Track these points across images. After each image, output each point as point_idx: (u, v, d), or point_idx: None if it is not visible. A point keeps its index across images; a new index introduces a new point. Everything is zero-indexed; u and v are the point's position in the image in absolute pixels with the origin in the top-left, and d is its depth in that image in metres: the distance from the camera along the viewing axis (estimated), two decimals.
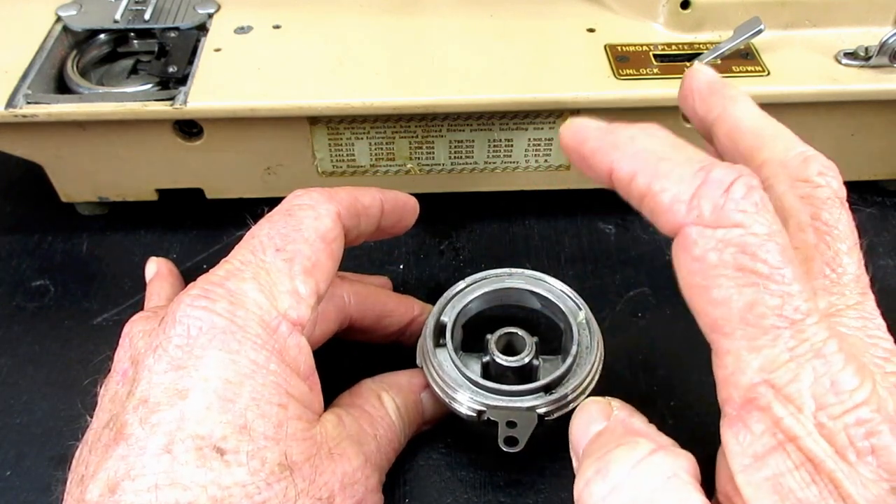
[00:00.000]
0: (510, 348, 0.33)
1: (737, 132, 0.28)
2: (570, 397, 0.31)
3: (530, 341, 0.33)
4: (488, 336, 0.33)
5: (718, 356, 0.23)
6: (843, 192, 0.26)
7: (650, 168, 0.24)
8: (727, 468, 0.22)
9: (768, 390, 0.21)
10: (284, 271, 0.28)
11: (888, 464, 0.21)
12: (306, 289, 0.28)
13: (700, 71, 0.30)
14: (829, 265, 0.25)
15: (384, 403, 0.32)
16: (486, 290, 0.35)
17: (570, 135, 0.27)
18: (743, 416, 0.22)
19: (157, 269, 0.39)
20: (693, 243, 0.22)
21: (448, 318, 0.34)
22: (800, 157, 0.27)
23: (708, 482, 0.24)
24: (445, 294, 0.35)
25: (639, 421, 0.26)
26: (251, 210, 0.45)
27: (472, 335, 0.35)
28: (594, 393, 0.32)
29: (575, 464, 0.26)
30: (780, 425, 0.21)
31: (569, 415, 0.31)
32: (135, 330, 0.29)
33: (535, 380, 0.32)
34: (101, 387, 0.29)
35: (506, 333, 0.33)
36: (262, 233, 0.30)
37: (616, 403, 0.27)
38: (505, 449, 0.30)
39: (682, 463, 0.23)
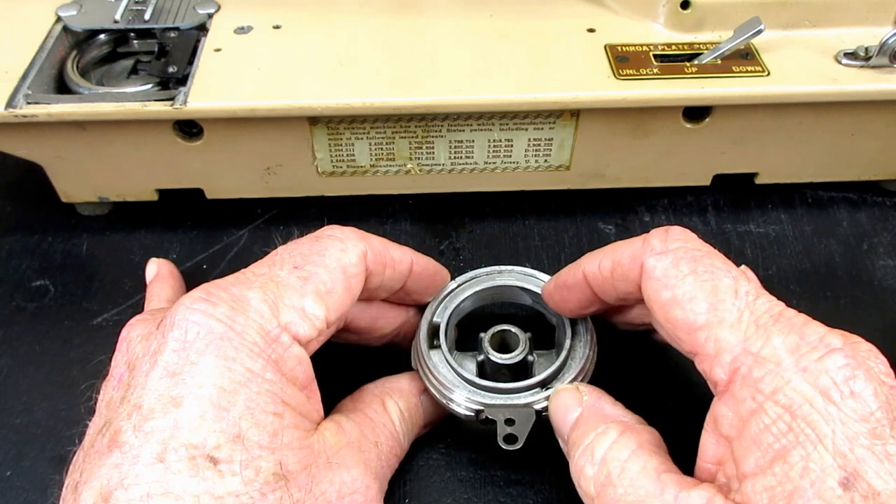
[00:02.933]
0: (504, 345, 0.33)
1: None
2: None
3: (524, 338, 0.33)
4: (482, 334, 0.33)
5: (700, 349, 0.27)
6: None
7: (608, 251, 0.31)
8: (712, 438, 0.26)
9: (747, 357, 0.25)
10: (296, 288, 0.28)
11: (866, 406, 0.23)
12: (315, 309, 0.28)
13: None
14: None
15: (387, 409, 0.32)
16: (478, 288, 0.35)
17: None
18: (730, 387, 0.25)
19: (157, 271, 0.39)
20: (653, 268, 0.28)
21: (441, 319, 0.34)
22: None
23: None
24: (437, 294, 0.35)
25: (608, 404, 0.30)
26: (251, 210, 0.45)
27: (465, 334, 0.35)
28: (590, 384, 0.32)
29: (562, 446, 0.30)
30: (759, 386, 0.24)
31: None
32: (132, 334, 0.29)
33: (531, 376, 0.32)
34: (97, 391, 0.29)
35: (499, 331, 0.33)
36: (284, 251, 0.30)
37: (584, 389, 0.30)
38: (504, 447, 0.30)
39: (645, 437, 0.28)
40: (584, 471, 0.27)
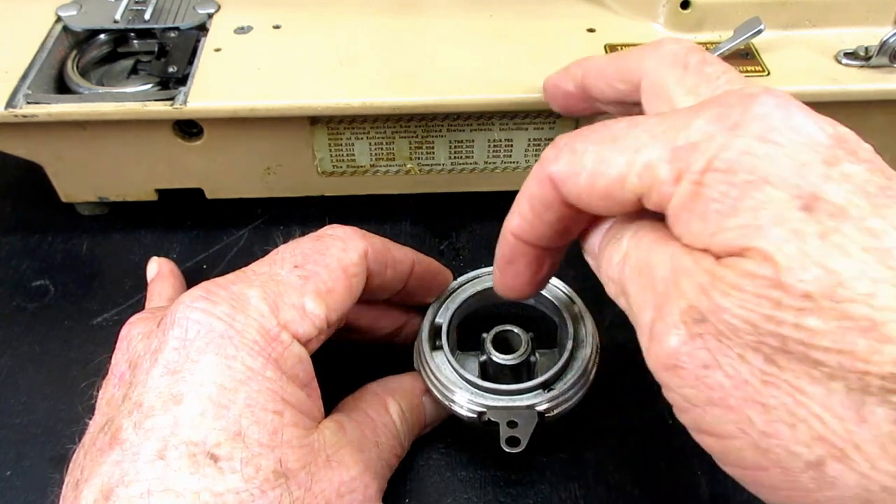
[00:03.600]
0: (506, 346, 0.33)
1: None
2: (568, 393, 0.31)
3: (525, 338, 0.33)
4: (484, 335, 0.33)
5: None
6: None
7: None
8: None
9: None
10: (296, 287, 0.28)
11: (811, 138, 0.22)
12: (315, 308, 0.28)
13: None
14: None
15: (389, 409, 0.32)
16: (479, 288, 0.35)
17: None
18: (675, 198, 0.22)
19: (158, 270, 0.39)
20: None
21: (443, 320, 0.34)
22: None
23: None
24: (439, 295, 0.35)
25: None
26: (251, 210, 0.45)
27: (467, 334, 0.35)
28: (593, 384, 0.32)
29: (592, 263, 0.28)
30: (692, 168, 0.22)
31: (568, 412, 0.31)
32: (133, 332, 0.29)
33: (533, 375, 0.32)
34: (98, 390, 0.29)
35: (501, 331, 0.33)
36: (285, 250, 0.30)
37: None
38: (507, 450, 0.30)
39: (660, 233, 0.24)
40: (613, 258, 0.25)
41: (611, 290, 0.26)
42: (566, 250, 0.30)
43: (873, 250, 0.19)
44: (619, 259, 0.25)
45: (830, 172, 0.21)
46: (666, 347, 0.21)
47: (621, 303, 0.25)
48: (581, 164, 0.24)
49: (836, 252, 0.19)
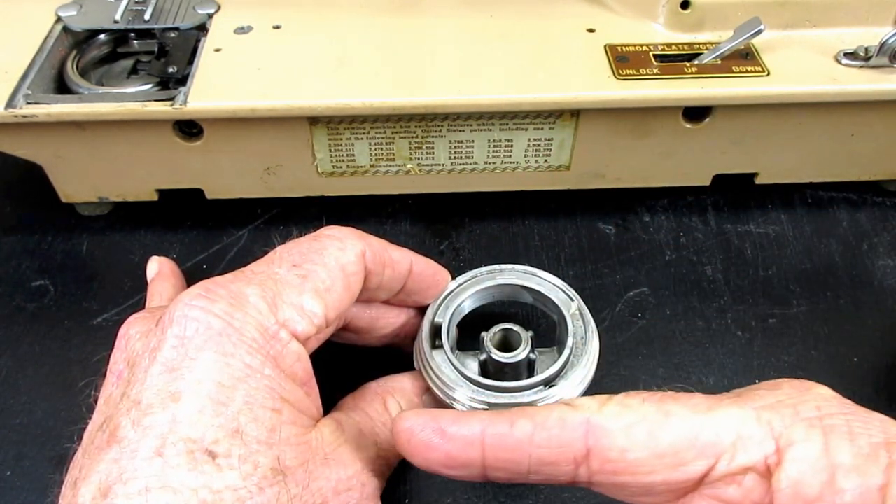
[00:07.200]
0: (506, 344, 0.33)
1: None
2: (570, 391, 0.31)
3: (525, 336, 0.33)
4: (483, 334, 0.33)
5: None
6: None
7: None
8: None
9: None
10: (295, 285, 0.28)
11: None
12: (314, 307, 0.28)
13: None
14: None
15: (388, 408, 0.32)
16: (479, 287, 0.35)
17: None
18: None
19: (158, 269, 0.39)
20: None
21: (443, 319, 0.34)
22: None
23: None
24: (438, 295, 0.35)
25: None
26: (251, 210, 0.45)
27: (466, 334, 0.35)
28: (594, 382, 0.32)
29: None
30: None
31: None
32: (131, 331, 0.29)
33: (534, 374, 0.32)
34: (97, 389, 0.29)
35: (501, 330, 0.33)
36: (283, 250, 0.30)
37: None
38: None
39: None
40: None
41: None
42: None
43: None
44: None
45: None
46: None
47: None
48: None
49: None
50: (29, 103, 0.38)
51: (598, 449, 0.24)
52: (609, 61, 0.40)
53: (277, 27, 0.42)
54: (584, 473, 0.25)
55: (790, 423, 0.24)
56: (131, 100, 0.38)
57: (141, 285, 0.40)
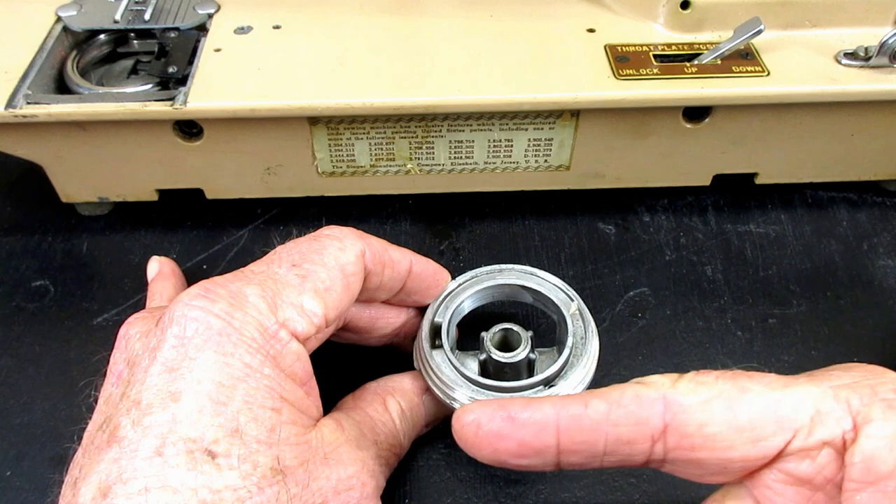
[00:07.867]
0: (506, 344, 0.33)
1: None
2: (570, 390, 0.31)
3: (525, 336, 0.33)
4: (483, 334, 0.33)
5: None
6: None
7: None
8: None
9: None
10: (294, 285, 0.28)
11: None
12: (313, 306, 0.28)
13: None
14: None
15: (388, 408, 0.32)
16: (478, 287, 0.35)
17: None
18: None
19: (159, 269, 0.39)
20: None
21: (443, 319, 0.34)
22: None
23: None
24: (438, 295, 0.35)
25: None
26: (251, 210, 0.45)
27: (466, 334, 0.35)
28: (594, 382, 0.32)
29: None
30: None
31: None
32: (131, 332, 0.29)
33: (534, 374, 0.32)
34: (97, 389, 0.29)
35: (501, 330, 0.33)
36: (282, 250, 0.30)
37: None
38: None
39: None
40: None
41: None
42: None
43: None
44: None
45: None
46: None
47: None
48: None
49: None
50: (29, 103, 0.38)
51: (675, 424, 0.24)
52: (609, 61, 0.40)
53: (277, 27, 0.42)
54: (660, 451, 0.24)
55: (868, 401, 0.24)
56: (131, 100, 0.38)
57: (141, 285, 0.40)
